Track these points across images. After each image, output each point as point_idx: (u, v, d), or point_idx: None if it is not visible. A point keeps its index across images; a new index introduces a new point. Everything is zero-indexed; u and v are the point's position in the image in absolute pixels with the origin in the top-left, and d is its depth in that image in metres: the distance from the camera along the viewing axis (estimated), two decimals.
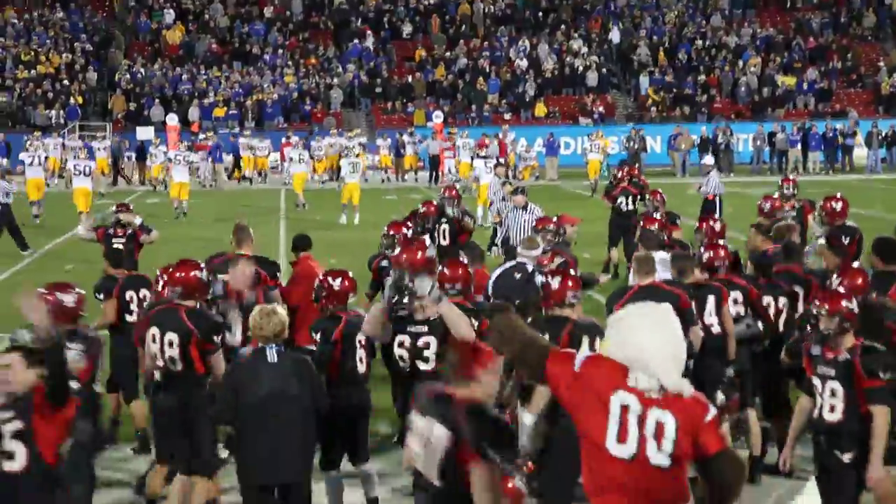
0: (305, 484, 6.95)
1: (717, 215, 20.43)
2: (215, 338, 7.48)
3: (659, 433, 4.33)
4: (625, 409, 4.37)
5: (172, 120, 40.59)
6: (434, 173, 37.81)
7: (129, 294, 9.76)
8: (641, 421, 4.35)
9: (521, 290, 9.08)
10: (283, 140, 38.05)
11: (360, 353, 7.68)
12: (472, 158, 35.38)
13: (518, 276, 9.51)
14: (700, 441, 4.35)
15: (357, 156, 30.66)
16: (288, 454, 6.71)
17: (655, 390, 4.37)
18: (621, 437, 4.36)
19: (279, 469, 6.72)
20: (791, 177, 16.01)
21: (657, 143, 43.30)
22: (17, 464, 5.29)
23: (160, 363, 7.54)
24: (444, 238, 13.30)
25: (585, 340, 7.13)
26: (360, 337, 7.58)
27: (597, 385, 4.42)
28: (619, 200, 17.60)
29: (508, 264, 9.91)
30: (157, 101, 45.03)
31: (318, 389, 6.94)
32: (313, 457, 7.21)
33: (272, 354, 6.81)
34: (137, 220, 12.73)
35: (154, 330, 7.53)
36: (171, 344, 7.45)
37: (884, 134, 40.91)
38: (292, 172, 31.14)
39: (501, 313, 4.73)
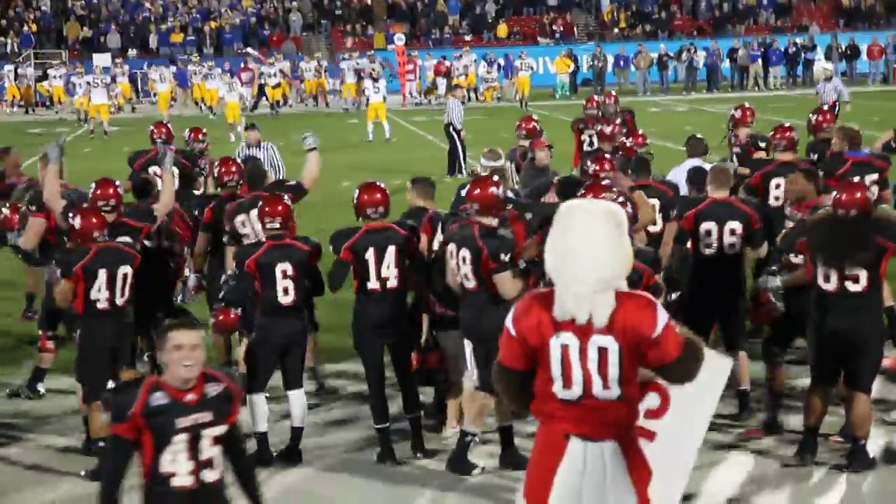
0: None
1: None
2: (503, 256, 7.15)
3: (602, 363, 4.20)
4: (565, 349, 4.23)
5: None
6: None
7: None
8: (583, 355, 4.21)
9: None
10: (242, 65, 37.54)
11: None
12: (358, 80, 35.33)
13: None
14: (653, 357, 4.25)
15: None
16: None
17: (580, 318, 4.19)
18: (566, 383, 4.24)
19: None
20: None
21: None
22: None
23: (458, 279, 7.32)
24: None
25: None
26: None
27: (534, 337, 4.27)
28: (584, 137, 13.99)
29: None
30: (113, 27, 44.35)
31: None
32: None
33: None
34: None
35: (451, 247, 7.33)
36: (464, 260, 7.25)
37: (843, 47, 40.96)
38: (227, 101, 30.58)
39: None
